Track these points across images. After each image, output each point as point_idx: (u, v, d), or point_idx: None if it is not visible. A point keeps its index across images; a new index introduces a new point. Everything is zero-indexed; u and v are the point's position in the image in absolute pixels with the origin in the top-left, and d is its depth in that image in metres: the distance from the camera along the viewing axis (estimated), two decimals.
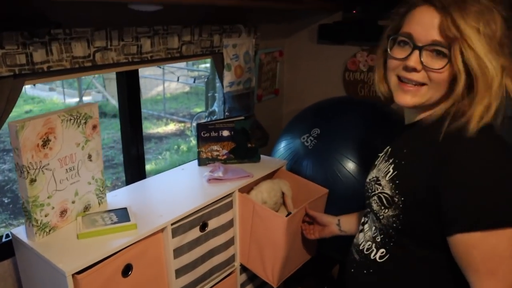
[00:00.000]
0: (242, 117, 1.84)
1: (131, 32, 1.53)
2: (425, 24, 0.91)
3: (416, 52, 0.92)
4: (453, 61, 0.89)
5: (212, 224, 1.58)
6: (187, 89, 8.60)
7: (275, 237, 1.58)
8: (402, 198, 0.97)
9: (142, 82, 7.82)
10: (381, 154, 1.16)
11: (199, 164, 1.87)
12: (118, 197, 1.56)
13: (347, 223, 1.49)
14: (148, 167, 5.42)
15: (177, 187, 1.65)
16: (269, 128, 2.42)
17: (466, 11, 0.87)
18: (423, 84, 0.95)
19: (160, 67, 7.18)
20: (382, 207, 1.03)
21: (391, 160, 1.06)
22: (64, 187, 1.33)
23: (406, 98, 0.98)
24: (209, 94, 5.51)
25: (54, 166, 1.28)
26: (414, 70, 0.94)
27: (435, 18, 0.90)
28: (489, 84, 0.88)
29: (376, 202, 1.05)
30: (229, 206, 1.64)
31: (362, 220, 1.21)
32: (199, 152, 1.85)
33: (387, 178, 1.03)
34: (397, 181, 1.00)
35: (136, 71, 1.74)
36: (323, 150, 1.82)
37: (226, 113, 2.08)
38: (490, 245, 0.85)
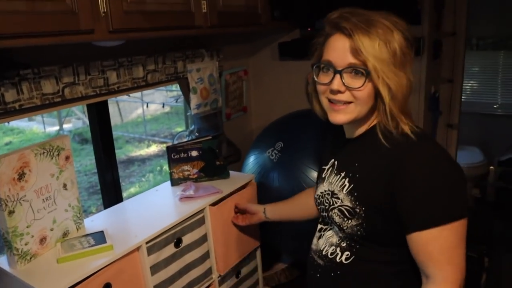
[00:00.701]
0: (209, 137, 1.95)
1: (97, 66, 1.63)
2: (340, 50, 1.03)
3: (338, 76, 1.03)
4: (370, 78, 1.01)
5: (186, 240, 1.67)
6: (167, 109, 8.65)
7: (211, 228, 1.76)
8: (363, 208, 1.07)
9: (121, 106, 7.89)
10: (326, 167, 1.25)
11: (172, 185, 1.96)
12: (95, 222, 1.65)
13: (271, 211, 1.63)
14: (132, 190, 5.47)
15: (151, 208, 1.74)
16: (240, 144, 2.54)
17: (368, 35, 0.98)
18: (350, 102, 1.05)
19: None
20: (345, 219, 1.11)
21: (343, 174, 1.15)
22: (42, 216, 1.41)
23: (339, 117, 1.07)
24: (188, 113, 5.57)
25: (31, 197, 1.37)
26: (339, 92, 1.04)
27: (346, 44, 1.01)
28: (394, 96, 1.01)
29: (338, 215, 1.14)
30: (201, 221, 1.73)
31: (319, 227, 1.29)
32: (171, 173, 1.95)
33: (344, 192, 1.12)
34: (356, 193, 1.10)
35: (106, 102, 1.84)
36: (287, 162, 1.94)
37: (196, 134, 2.18)
38: (444, 238, 0.98)
